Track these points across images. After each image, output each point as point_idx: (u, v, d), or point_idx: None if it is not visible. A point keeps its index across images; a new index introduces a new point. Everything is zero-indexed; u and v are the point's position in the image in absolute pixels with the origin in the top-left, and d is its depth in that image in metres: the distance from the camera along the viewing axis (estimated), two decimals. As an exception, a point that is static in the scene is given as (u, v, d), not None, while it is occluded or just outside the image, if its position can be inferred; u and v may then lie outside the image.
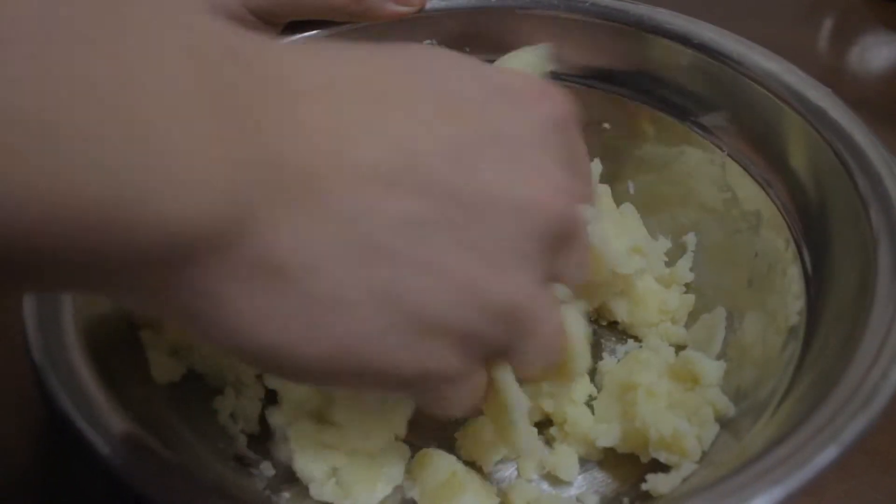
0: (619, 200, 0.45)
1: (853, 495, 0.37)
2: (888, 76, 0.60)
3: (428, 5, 0.46)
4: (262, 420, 0.37)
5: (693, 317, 0.42)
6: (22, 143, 0.18)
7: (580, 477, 0.37)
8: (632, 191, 0.45)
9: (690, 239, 0.43)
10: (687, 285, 0.43)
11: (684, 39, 0.42)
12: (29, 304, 0.32)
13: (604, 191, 0.44)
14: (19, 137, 0.18)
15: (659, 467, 0.36)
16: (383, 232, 0.24)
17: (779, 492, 0.25)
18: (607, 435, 0.37)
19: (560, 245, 0.27)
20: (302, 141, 0.23)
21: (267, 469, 0.36)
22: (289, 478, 0.36)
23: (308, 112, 0.23)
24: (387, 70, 0.26)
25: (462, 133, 0.25)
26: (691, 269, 0.43)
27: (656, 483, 0.35)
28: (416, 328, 0.25)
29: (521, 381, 0.30)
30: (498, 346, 0.27)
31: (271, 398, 0.37)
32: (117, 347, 0.34)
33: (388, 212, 0.24)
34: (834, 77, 0.59)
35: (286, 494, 0.35)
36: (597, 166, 0.44)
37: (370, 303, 0.24)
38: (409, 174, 0.24)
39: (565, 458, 0.37)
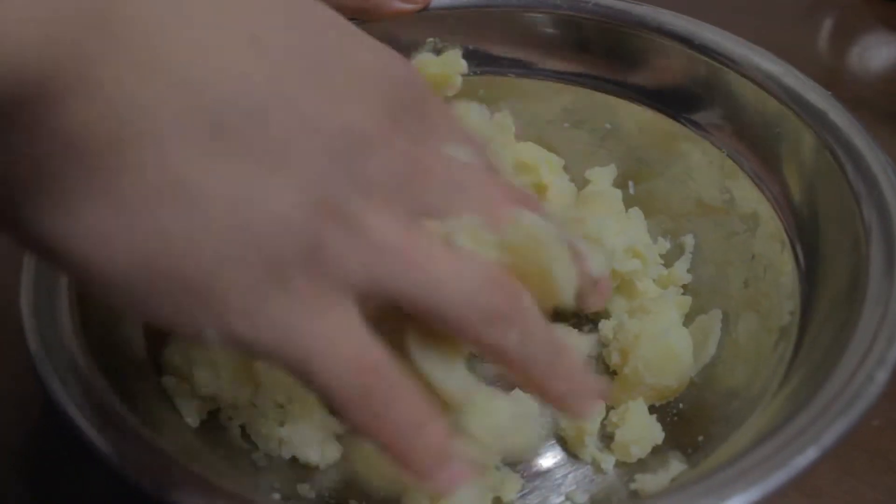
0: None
1: (853, 495, 0.37)
2: (888, 76, 0.60)
3: (432, 3, 0.46)
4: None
5: (689, 318, 0.41)
6: None
7: (570, 476, 0.37)
8: (632, 191, 0.46)
9: (688, 240, 0.43)
10: (684, 286, 0.43)
11: (686, 40, 0.42)
12: (26, 295, 0.33)
13: (614, 195, 0.45)
14: None
15: (647, 468, 0.36)
16: (217, 107, 0.21)
17: (755, 492, 0.25)
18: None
19: (406, 94, 0.25)
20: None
21: (259, 460, 0.36)
22: (279, 468, 0.36)
23: None
24: None
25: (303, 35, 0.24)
26: (689, 271, 0.43)
27: (645, 483, 0.35)
28: (247, 234, 0.22)
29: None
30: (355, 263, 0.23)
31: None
32: (114, 341, 0.35)
33: (222, 85, 0.21)
34: (834, 77, 0.59)
35: (276, 485, 0.36)
36: (611, 171, 0.45)
37: (220, 203, 0.21)
38: (252, 48, 0.22)
39: None
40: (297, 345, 0.23)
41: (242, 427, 0.37)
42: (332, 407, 0.24)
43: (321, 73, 0.23)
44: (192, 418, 0.34)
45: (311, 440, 0.36)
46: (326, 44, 0.24)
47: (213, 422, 0.35)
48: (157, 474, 0.28)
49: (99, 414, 0.29)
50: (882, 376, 0.28)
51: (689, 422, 0.38)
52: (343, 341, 0.23)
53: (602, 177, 0.45)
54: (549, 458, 0.38)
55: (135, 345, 0.36)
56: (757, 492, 0.25)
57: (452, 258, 0.24)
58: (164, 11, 0.21)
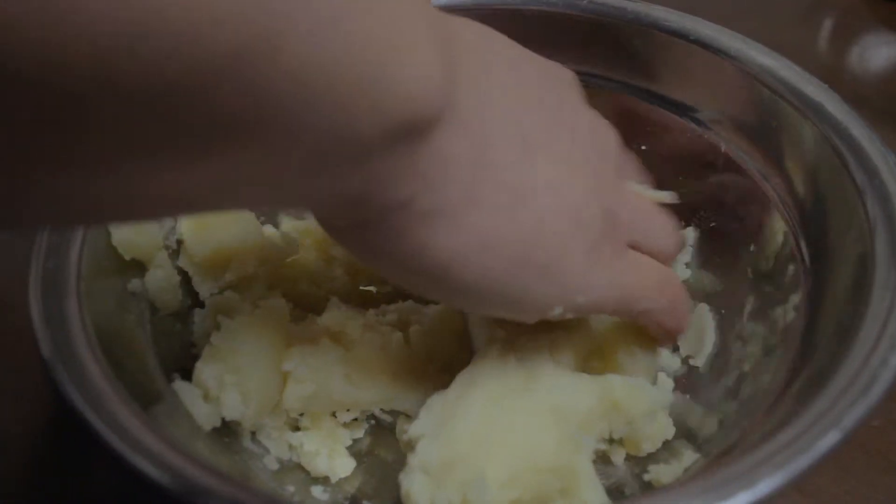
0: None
1: (853, 495, 0.37)
2: (888, 76, 0.61)
3: (432, 3, 0.46)
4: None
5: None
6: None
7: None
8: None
9: (689, 233, 0.44)
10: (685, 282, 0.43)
11: (682, 35, 0.43)
12: (35, 300, 0.32)
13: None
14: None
15: (659, 458, 0.36)
16: (529, 128, 0.28)
17: (781, 476, 0.26)
18: None
19: (618, 155, 0.34)
20: (467, 59, 0.26)
21: (271, 463, 0.36)
22: (292, 471, 0.36)
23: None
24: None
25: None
26: (689, 264, 0.43)
27: (658, 473, 0.35)
28: (572, 214, 0.29)
29: None
30: (627, 223, 0.33)
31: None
32: (124, 341, 0.34)
33: (527, 111, 0.29)
34: (834, 77, 0.59)
35: (290, 488, 0.35)
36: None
37: (543, 190, 0.28)
38: (527, 89, 0.30)
39: None
40: (621, 293, 0.32)
41: (253, 433, 0.36)
42: (652, 324, 0.35)
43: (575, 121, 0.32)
44: (205, 422, 0.34)
45: (321, 451, 0.36)
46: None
47: (225, 427, 0.35)
48: (183, 476, 0.27)
49: (117, 419, 0.29)
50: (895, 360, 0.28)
51: (699, 411, 0.38)
52: (645, 274, 0.34)
53: None
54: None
55: (146, 350, 0.35)
56: (783, 476, 0.26)
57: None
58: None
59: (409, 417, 0.37)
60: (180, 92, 0.17)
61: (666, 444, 0.37)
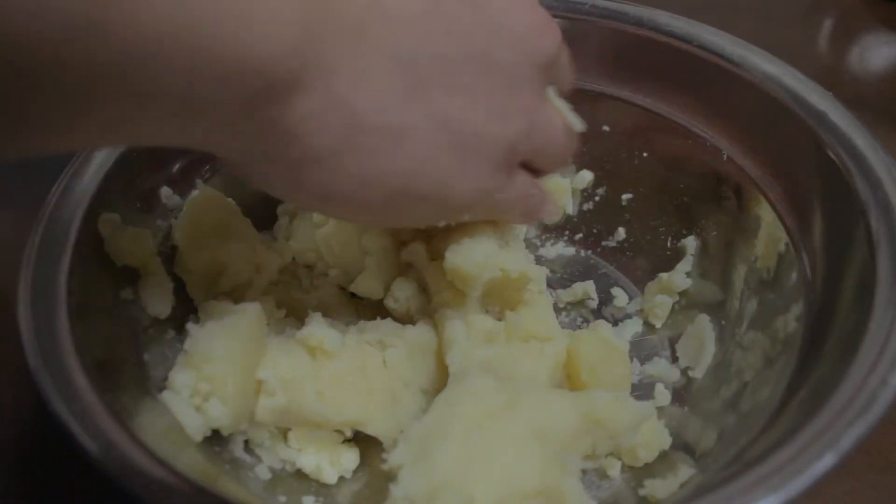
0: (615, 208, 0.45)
1: (853, 495, 0.37)
2: (888, 76, 0.60)
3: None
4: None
5: (682, 326, 0.41)
6: None
7: (578, 482, 0.37)
8: (631, 195, 0.46)
9: (690, 242, 0.43)
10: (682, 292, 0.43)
11: (684, 41, 0.42)
12: (24, 311, 0.32)
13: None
14: None
15: (655, 472, 0.36)
16: (425, 67, 0.29)
17: (776, 498, 0.25)
18: None
19: (552, 63, 0.33)
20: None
21: (263, 472, 0.36)
22: (284, 480, 0.36)
23: None
24: None
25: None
26: (690, 273, 0.43)
27: (655, 488, 0.35)
28: (464, 147, 0.30)
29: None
30: (527, 149, 0.33)
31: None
32: (114, 350, 0.34)
33: (425, 50, 0.29)
34: (834, 77, 0.59)
35: (282, 497, 0.35)
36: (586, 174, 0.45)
37: (427, 127, 0.29)
38: (435, 19, 0.29)
39: None
40: (493, 207, 0.34)
41: (246, 441, 0.36)
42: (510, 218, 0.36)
43: (491, 44, 0.31)
44: (195, 432, 0.33)
45: (314, 454, 0.36)
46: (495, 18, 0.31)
47: (216, 436, 0.35)
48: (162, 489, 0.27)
49: (102, 432, 0.28)
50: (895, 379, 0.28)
51: (697, 424, 0.37)
52: (520, 194, 0.34)
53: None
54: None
55: (137, 358, 0.35)
56: (778, 498, 0.25)
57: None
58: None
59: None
60: (30, 65, 0.20)
61: (663, 456, 0.37)
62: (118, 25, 0.21)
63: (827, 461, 0.26)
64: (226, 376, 0.33)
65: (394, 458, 0.31)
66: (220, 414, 0.33)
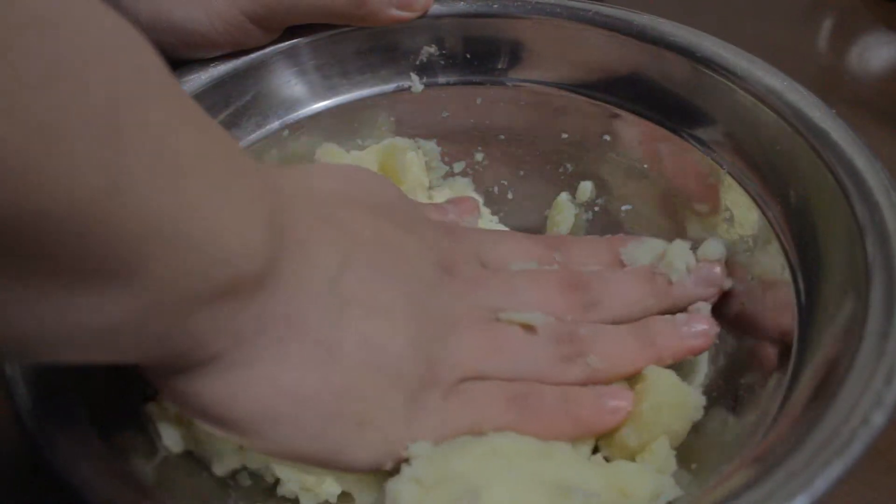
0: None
1: (853, 495, 0.36)
2: (888, 76, 0.59)
3: (430, 10, 0.45)
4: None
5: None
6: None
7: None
8: (630, 206, 0.45)
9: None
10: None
11: (687, 52, 0.41)
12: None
13: None
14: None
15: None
16: (353, 285, 0.30)
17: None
18: None
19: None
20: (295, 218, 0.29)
21: (244, 479, 0.36)
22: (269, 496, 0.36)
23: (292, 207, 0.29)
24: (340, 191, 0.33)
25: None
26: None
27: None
28: (392, 372, 0.30)
29: None
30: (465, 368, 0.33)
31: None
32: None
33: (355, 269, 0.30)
34: (834, 77, 0.58)
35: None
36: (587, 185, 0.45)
37: (358, 346, 0.29)
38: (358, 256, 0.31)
39: None
40: (460, 429, 0.32)
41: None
42: None
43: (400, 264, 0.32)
44: (173, 444, 0.33)
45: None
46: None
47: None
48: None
49: (75, 445, 0.29)
50: (879, 419, 0.27)
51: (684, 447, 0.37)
52: (486, 403, 0.33)
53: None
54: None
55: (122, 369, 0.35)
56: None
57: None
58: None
59: None
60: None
61: None
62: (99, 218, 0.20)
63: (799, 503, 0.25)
64: None
65: (414, 450, 0.31)
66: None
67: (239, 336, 0.27)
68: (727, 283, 0.39)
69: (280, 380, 0.28)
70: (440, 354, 0.32)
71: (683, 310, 0.38)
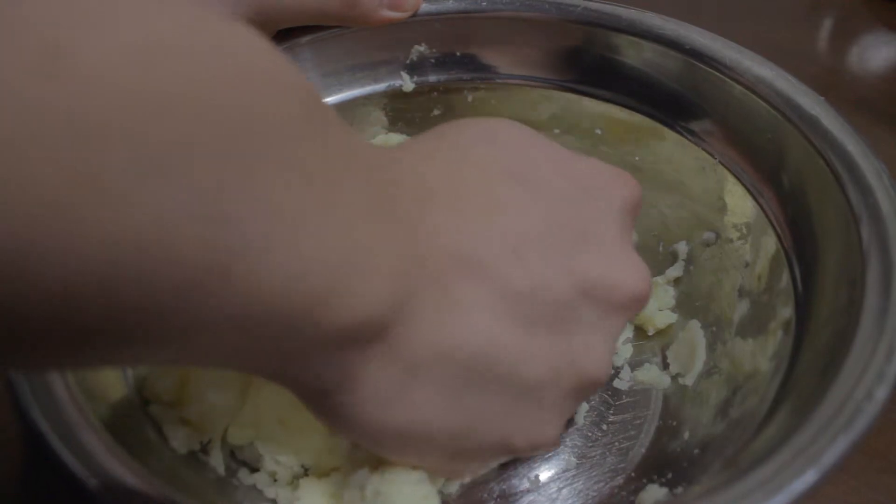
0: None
1: (853, 495, 0.36)
2: (888, 76, 0.60)
3: (420, 10, 0.45)
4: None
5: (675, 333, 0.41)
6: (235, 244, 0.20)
7: (565, 490, 0.37)
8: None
9: (682, 247, 0.43)
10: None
11: (675, 44, 0.42)
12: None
13: None
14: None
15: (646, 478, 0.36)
16: (496, 321, 0.27)
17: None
18: None
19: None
20: (434, 242, 0.27)
21: (246, 477, 0.36)
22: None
23: (434, 217, 0.27)
24: (476, 168, 0.30)
25: (552, 225, 0.29)
26: (681, 278, 0.42)
27: (643, 498, 0.35)
28: (528, 401, 0.29)
29: None
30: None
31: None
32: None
33: (496, 306, 0.27)
34: (834, 77, 0.59)
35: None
36: None
37: (491, 382, 0.28)
38: (512, 265, 0.28)
39: None
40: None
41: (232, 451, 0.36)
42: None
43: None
44: (179, 444, 0.33)
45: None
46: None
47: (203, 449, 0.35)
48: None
49: (81, 445, 0.28)
50: (881, 393, 0.27)
51: (684, 433, 0.37)
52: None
53: None
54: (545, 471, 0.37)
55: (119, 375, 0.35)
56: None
57: None
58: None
59: None
60: (138, 311, 0.19)
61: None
62: (237, 280, 0.20)
63: (808, 478, 0.26)
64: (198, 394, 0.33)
65: None
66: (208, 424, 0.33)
67: (356, 377, 0.26)
68: None
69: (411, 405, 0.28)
70: (582, 386, 0.31)
71: None
